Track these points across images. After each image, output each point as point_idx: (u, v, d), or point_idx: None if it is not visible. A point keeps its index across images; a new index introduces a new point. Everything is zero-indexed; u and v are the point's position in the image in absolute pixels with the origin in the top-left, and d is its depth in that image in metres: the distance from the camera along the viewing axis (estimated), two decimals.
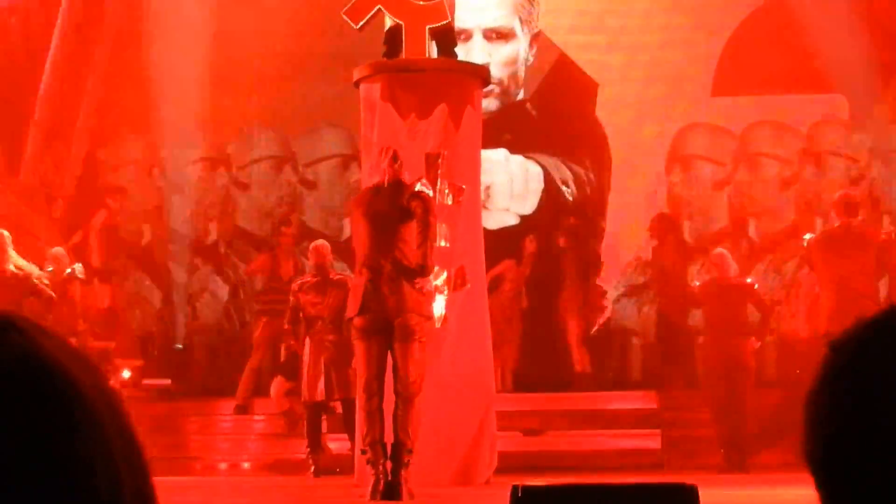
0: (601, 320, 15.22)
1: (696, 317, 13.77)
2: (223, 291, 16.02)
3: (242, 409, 13.33)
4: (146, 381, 14.21)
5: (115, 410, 1.15)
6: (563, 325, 14.51)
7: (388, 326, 8.29)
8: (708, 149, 16.26)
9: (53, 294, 12.21)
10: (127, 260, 16.20)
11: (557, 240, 14.84)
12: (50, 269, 12.42)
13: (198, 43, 15.39)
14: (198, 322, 15.92)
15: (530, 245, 14.90)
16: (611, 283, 15.67)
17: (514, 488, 3.37)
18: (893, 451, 1.41)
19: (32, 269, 12.28)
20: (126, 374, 13.66)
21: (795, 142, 16.07)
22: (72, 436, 1.11)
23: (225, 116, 16.07)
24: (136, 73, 15.74)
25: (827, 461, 1.45)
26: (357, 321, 8.42)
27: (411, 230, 8.28)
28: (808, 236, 12.18)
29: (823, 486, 1.39)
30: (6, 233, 12.65)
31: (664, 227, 14.82)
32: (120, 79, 15.89)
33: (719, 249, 13.36)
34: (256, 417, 13.55)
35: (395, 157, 8.48)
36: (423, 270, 8.37)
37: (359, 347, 8.50)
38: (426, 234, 8.31)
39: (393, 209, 8.36)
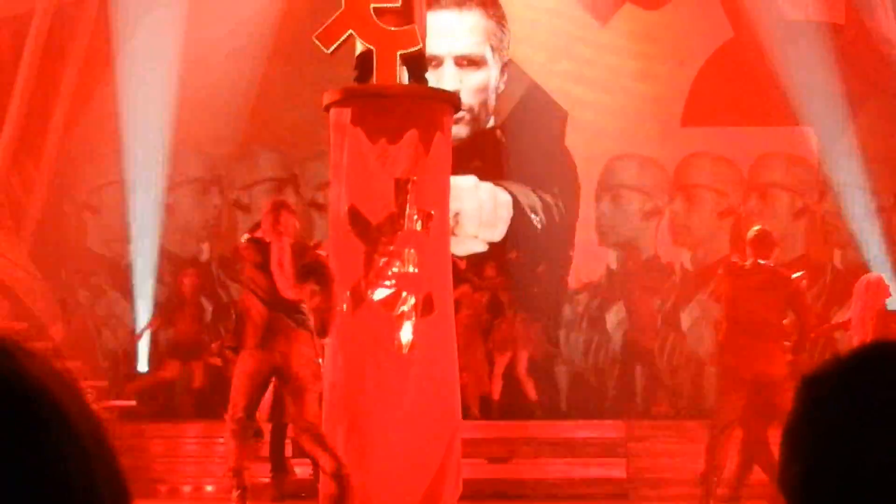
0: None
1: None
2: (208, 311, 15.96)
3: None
4: (112, 402, 14.16)
5: (98, 433, 1.17)
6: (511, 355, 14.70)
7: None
8: (711, 178, 16.36)
9: None
10: (103, 278, 16.20)
11: (488, 271, 15.04)
12: None
13: (168, 64, 15.38)
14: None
15: (490, 270, 14.97)
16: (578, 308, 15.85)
17: None
18: (873, 483, 1.44)
19: None
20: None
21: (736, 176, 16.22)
22: (54, 457, 1.13)
23: (190, 139, 16.06)
24: (104, 93, 15.72)
25: (806, 492, 1.48)
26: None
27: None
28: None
29: None
30: None
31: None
32: (89, 98, 15.86)
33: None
34: (220, 440, 13.50)
35: (278, 217, 9.32)
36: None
37: None
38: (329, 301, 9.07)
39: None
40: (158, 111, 15.39)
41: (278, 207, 10.03)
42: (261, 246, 9.75)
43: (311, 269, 9.66)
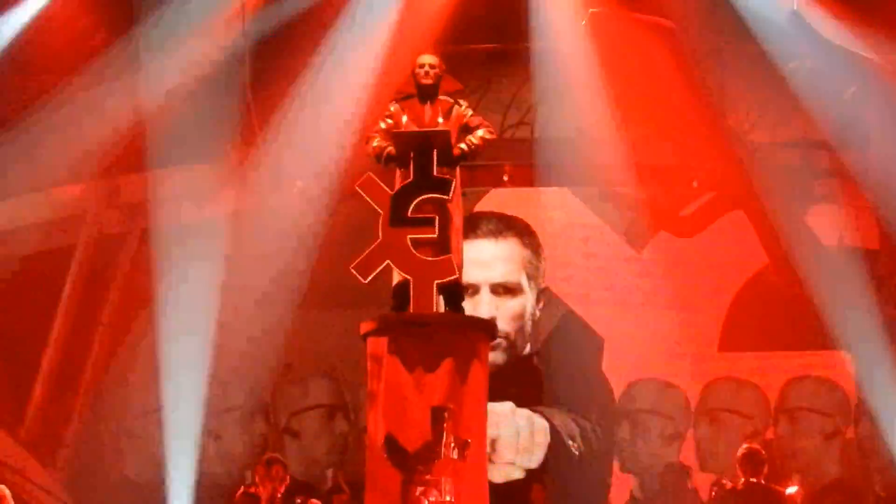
0: None
1: None
2: None
3: None
4: None
5: None
6: None
7: None
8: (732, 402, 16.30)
9: None
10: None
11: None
12: None
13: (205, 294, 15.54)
14: None
15: (538, 494, 14.81)
16: None
17: None
18: None
19: None
20: None
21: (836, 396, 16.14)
22: None
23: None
24: (142, 323, 15.86)
25: None
26: None
27: None
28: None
29: None
30: (6, 490, 12.57)
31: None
32: (127, 329, 16.00)
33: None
34: None
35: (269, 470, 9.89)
36: None
37: None
38: None
39: None
40: (199, 339, 15.51)
41: (270, 462, 11.41)
42: (254, 499, 10.09)
43: None
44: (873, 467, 15.86)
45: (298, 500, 11.78)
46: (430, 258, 9.92)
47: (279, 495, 11.27)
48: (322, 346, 16.22)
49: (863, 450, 15.91)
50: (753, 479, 11.35)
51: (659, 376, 16.28)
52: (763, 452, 11.75)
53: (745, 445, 12.12)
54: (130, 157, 15.64)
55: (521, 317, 16.47)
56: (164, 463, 16.03)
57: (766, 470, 11.55)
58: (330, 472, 15.90)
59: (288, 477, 11.76)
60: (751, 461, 11.43)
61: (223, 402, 16.40)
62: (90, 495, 15.95)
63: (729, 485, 11.78)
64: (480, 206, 16.28)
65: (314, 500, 12.03)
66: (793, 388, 16.21)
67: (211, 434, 16.25)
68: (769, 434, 16.04)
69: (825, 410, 16.12)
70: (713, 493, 12.23)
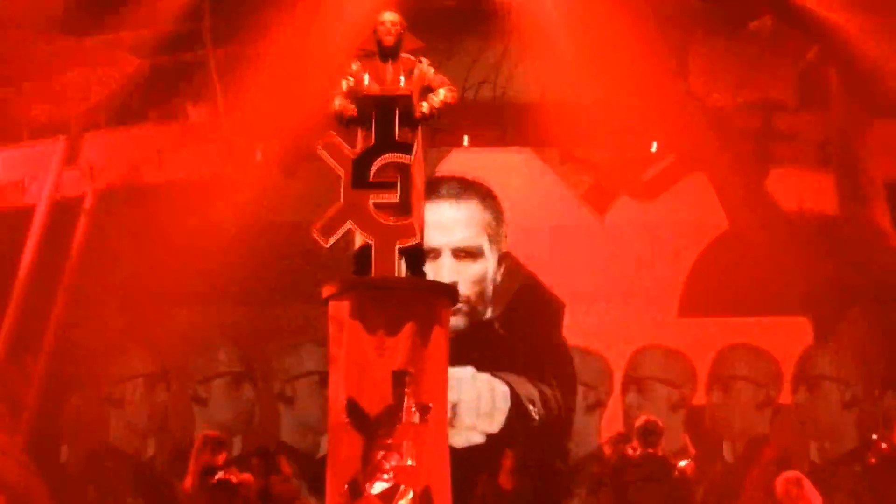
0: None
1: None
2: None
3: None
4: None
5: None
6: None
7: None
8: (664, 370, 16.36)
9: None
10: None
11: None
12: None
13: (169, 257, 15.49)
14: None
15: (508, 459, 14.83)
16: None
17: None
18: None
19: None
20: None
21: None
22: None
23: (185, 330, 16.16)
24: (100, 291, 15.82)
25: None
26: None
27: None
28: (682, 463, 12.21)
29: None
30: None
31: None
32: (89, 295, 15.93)
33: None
34: None
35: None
36: None
37: None
38: None
39: None
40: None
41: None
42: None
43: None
44: (809, 434, 15.94)
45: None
46: (391, 222, 9.91)
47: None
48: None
49: (799, 417, 15.99)
50: (650, 450, 11.75)
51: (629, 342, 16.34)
52: (660, 424, 12.06)
53: (642, 417, 12.42)
54: (91, 114, 15.61)
55: (482, 281, 16.49)
56: (146, 430, 16.08)
57: (662, 442, 11.91)
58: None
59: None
60: (646, 433, 11.82)
61: (211, 368, 16.38)
62: (59, 460, 15.95)
63: (630, 452, 12.04)
64: (441, 168, 16.29)
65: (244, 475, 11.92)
66: (726, 356, 16.26)
67: (198, 400, 16.23)
68: (697, 401, 16.10)
69: (758, 379, 16.18)
70: (613, 457, 12.49)
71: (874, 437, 13.52)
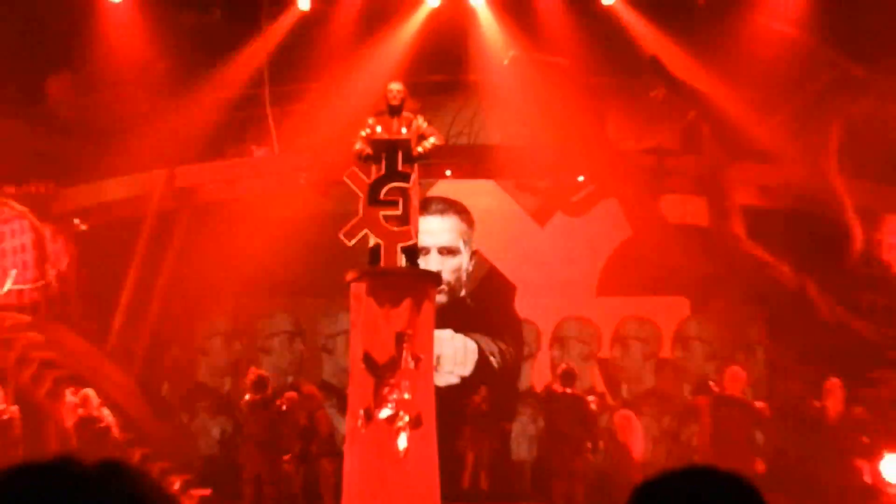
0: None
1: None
2: None
3: None
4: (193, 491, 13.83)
5: None
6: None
7: None
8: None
9: None
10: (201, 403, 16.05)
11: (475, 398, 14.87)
12: None
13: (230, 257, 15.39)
14: None
15: (482, 392, 14.76)
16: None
17: None
18: None
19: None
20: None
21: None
22: None
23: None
24: (191, 274, 15.67)
25: None
26: None
27: None
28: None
29: None
30: (91, 391, 12.57)
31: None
32: (183, 277, 15.81)
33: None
34: None
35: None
36: None
37: None
38: None
39: None
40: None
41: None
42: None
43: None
44: (681, 379, 15.93)
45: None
46: (395, 228, 9.98)
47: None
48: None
49: (676, 367, 15.98)
50: (568, 390, 11.93)
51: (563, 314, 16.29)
52: (575, 370, 12.29)
53: (563, 365, 12.61)
54: (184, 152, 15.52)
55: (458, 270, 16.48)
56: (224, 372, 15.98)
57: (577, 383, 12.17)
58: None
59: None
60: (566, 377, 12.03)
61: (274, 328, 16.31)
62: (161, 394, 15.87)
63: (559, 390, 12.13)
64: (431, 193, 16.25)
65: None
66: (625, 323, 16.26)
67: (264, 351, 16.15)
68: (602, 355, 16.10)
69: (647, 340, 16.16)
70: (544, 393, 12.70)
71: (710, 382, 13.58)
